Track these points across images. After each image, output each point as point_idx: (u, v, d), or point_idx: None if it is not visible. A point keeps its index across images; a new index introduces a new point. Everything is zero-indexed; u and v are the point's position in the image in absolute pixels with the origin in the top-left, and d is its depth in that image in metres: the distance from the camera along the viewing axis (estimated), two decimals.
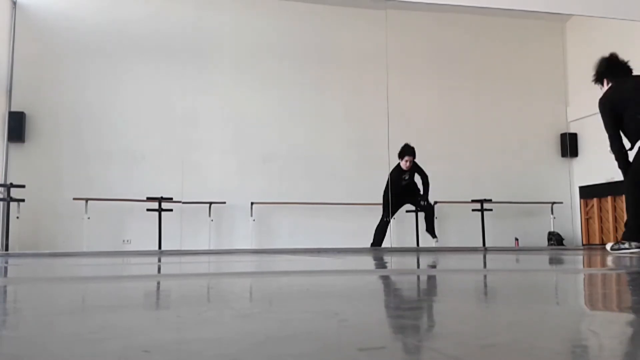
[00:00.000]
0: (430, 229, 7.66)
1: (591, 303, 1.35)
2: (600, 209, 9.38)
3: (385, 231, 7.51)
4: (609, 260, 3.52)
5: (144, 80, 8.69)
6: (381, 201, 7.64)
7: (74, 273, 2.74)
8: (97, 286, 1.95)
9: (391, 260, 4.04)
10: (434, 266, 3.25)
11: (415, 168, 7.52)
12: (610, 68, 4.93)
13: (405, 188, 7.52)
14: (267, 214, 8.76)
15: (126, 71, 8.66)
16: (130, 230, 8.33)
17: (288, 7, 9.27)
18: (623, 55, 4.82)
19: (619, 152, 4.74)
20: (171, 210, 8.11)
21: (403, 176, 7.45)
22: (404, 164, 7.40)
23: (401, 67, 9.33)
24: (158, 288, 1.88)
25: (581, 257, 4.38)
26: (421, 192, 7.58)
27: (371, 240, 7.55)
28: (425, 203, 7.56)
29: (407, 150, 7.40)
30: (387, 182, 7.52)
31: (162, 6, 8.94)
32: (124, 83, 8.65)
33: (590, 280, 2.09)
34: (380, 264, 3.51)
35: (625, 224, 4.86)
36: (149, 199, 7.99)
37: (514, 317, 1.05)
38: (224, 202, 8.51)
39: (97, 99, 8.50)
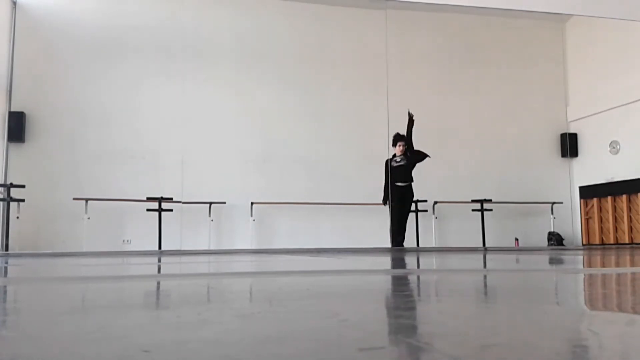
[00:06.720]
0: (403, 226, 7.49)
1: (591, 303, 1.35)
2: (600, 209, 9.37)
3: (399, 226, 7.39)
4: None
5: (143, 80, 8.68)
6: (381, 201, 7.60)
7: (74, 273, 2.74)
8: (97, 286, 1.94)
9: (391, 261, 4.04)
10: (433, 266, 3.25)
11: (407, 153, 7.60)
12: None
13: (396, 169, 7.53)
14: (267, 214, 8.76)
15: (126, 71, 8.65)
16: (130, 230, 8.32)
17: (288, 7, 9.27)
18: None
19: None
20: (171, 210, 8.10)
21: (395, 159, 7.56)
22: (399, 150, 7.52)
23: (401, 67, 9.33)
24: (158, 288, 1.88)
25: (581, 257, 4.38)
26: (413, 194, 7.56)
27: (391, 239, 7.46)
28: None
29: (397, 137, 7.59)
30: (386, 173, 7.56)
31: (162, 7, 8.94)
32: (124, 83, 8.64)
33: (590, 280, 2.09)
34: (380, 264, 3.50)
35: None
36: (149, 199, 7.98)
37: (514, 317, 1.05)
38: (224, 202, 8.51)
39: (97, 99, 8.49)
